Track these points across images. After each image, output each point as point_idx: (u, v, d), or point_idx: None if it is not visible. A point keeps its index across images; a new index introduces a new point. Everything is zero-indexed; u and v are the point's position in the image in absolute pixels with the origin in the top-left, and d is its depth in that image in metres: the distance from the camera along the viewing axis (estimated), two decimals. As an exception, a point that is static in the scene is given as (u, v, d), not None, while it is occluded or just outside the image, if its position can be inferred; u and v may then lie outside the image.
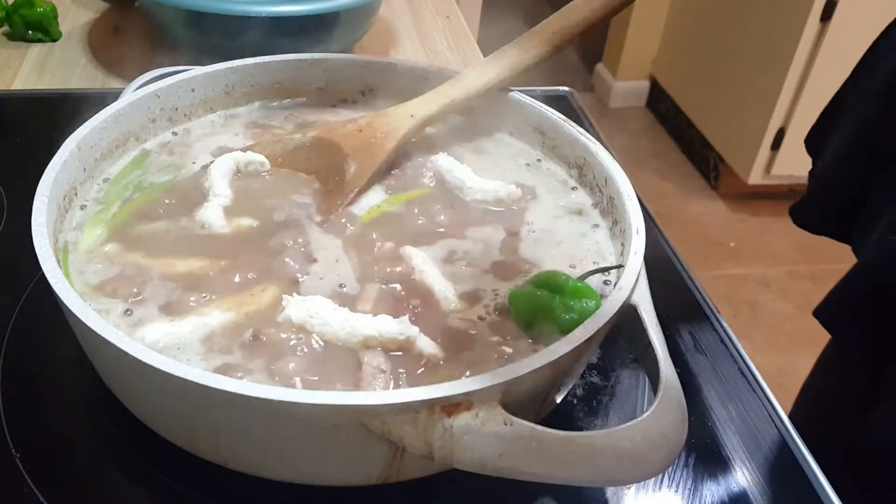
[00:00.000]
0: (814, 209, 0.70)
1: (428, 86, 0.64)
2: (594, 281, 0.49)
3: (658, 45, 2.66)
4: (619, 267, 0.48)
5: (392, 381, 0.42)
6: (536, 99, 0.61)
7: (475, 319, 0.46)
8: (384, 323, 0.44)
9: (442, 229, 0.53)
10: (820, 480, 0.49)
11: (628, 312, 0.44)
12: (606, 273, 0.50)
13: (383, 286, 0.48)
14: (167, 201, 0.53)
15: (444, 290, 0.48)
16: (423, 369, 0.43)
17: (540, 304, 0.45)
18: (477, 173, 0.57)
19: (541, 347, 0.44)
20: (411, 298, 0.47)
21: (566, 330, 0.42)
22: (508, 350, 0.45)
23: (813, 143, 0.72)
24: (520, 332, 0.46)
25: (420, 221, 0.54)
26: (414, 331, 0.44)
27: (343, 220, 0.53)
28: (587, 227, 0.54)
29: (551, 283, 0.46)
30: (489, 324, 0.46)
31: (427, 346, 0.44)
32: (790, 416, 0.53)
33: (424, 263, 0.49)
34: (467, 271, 0.50)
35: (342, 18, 0.82)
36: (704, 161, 2.44)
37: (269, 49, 0.63)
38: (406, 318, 0.45)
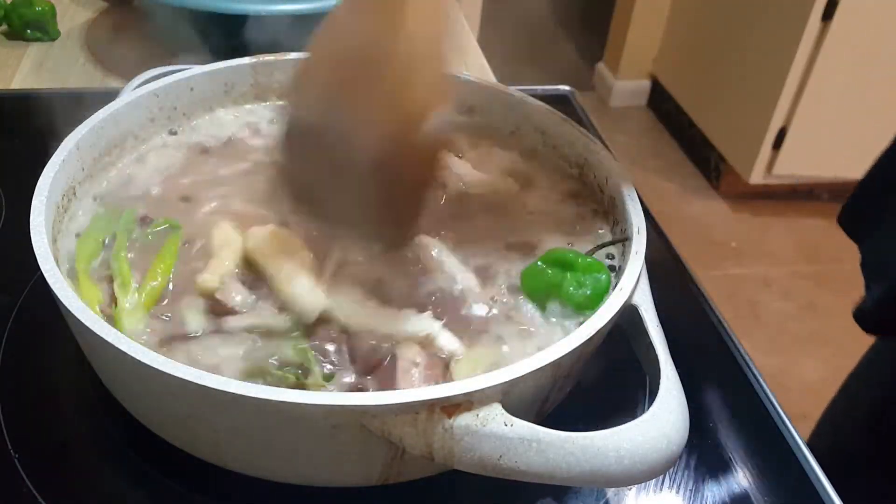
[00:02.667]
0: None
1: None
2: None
3: (659, 44, 2.66)
4: (626, 240, 0.49)
5: (426, 374, 0.42)
6: (537, 98, 0.60)
7: (490, 301, 0.47)
8: (407, 320, 0.44)
9: (445, 219, 0.53)
10: (821, 480, 0.48)
11: (629, 313, 0.44)
12: (611, 258, 0.50)
13: (402, 278, 0.48)
14: None
15: (466, 280, 0.48)
16: (455, 361, 0.43)
17: (552, 281, 0.46)
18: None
19: (560, 326, 0.45)
20: (433, 289, 0.48)
21: (581, 306, 0.43)
22: (532, 335, 0.45)
23: (853, 222, 0.67)
24: (538, 315, 0.46)
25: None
26: (436, 326, 0.44)
27: None
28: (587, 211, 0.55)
29: (562, 261, 0.47)
30: (506, 309, 0.47)
31: (449, 342, 0.44)
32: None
33: (442, 254, 0.50)
34: (476, 260, 0.50)
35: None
36: (705, 161, 2.44)
37: (269, 48, 0.63)
38: (429, 313, 0.45)
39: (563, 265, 0.46)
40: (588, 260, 0.47)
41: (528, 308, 0.47)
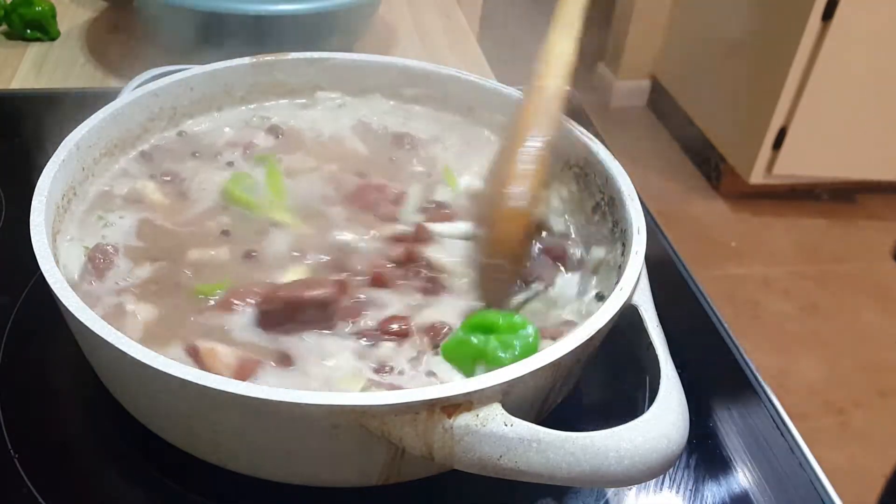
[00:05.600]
0: None
1: (427, 85, 0.63)
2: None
3: (659, 44, 2.65)
4: (547, 288, 0.49)
5: None
6: (537, 98, 0.60)
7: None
8: None
9: None
10: (822, 481, 0.48)
11: (629, 312, 0.44)
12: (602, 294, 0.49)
13: None
14: None
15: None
16: None
17: (476, 350, 0.43)
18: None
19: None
20: None
21: None
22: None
23: None
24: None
25: None
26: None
27: None
28: None
29: (483, 325, 0.44)
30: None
31: None
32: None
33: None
34: None
35: (342, 18, 0.82)
36: (706, 161, 2.44)
37: (269, 48, 0.63)
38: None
39: (486, 329, 0.44)
40: (512, 319, 0.44)
41: (456, 374, 0.44)
